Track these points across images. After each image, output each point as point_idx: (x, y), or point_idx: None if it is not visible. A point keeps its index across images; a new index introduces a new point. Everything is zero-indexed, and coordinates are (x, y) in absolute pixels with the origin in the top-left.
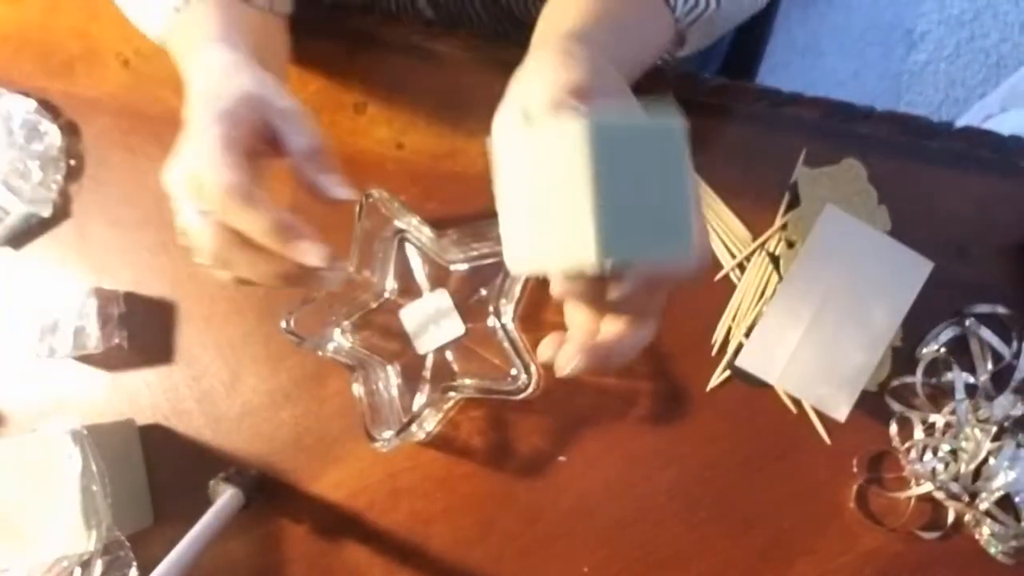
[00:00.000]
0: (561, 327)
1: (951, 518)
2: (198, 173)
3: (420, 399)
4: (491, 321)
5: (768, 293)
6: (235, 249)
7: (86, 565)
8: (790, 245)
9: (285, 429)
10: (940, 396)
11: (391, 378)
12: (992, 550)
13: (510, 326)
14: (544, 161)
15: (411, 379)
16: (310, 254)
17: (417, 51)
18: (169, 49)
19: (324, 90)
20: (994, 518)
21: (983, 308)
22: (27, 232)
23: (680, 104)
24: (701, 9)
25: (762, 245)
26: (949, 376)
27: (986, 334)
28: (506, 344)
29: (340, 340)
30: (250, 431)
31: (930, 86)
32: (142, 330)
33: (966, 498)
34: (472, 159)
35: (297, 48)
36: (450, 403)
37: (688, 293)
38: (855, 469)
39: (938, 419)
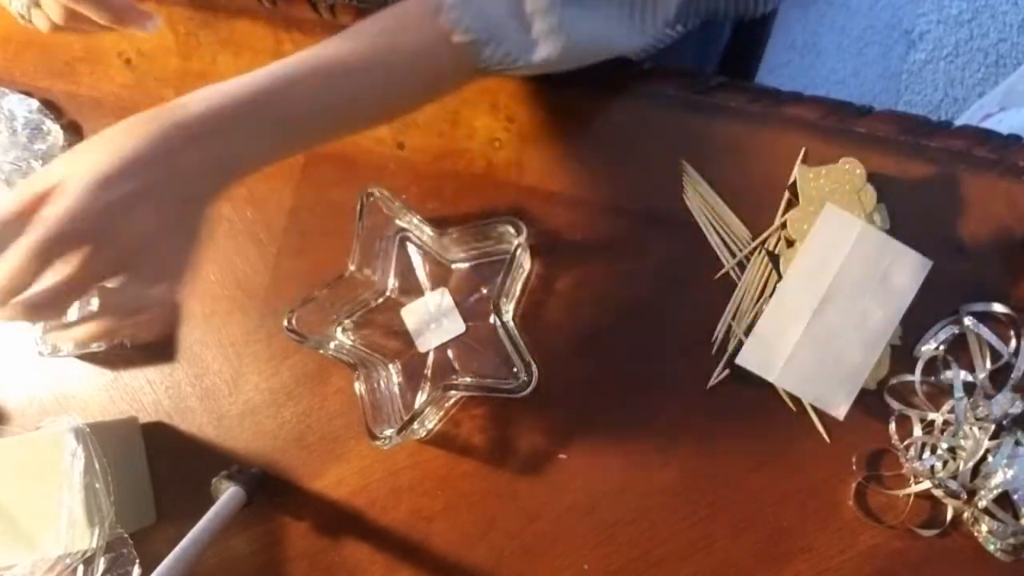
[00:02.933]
0: (561, 327)
1: (949, 516)
2: None
3: (421, 397)
4: (492, 319)
5: (768, 292)
6: None
7: (89, 562)
8: (790, 244)
9: (287, 427)
10: (939, 394)
11: (392, 376)
12: (990, 547)
13: (511, 324)
14: None
15: (412, 377)
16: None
17: None
18: None
19: None
20: (992, 516)
21: (982, 307)
22: None
23: (680, 103)
24: (511, 62)
25: (762, 244)
26: (948, 374)
27: (985, 332)
28: (507, 342)
29: (341, 339)
30: (252, 429)
31: (929, 85)
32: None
33: (964, 496)
34: (472, 159)
35: (299, 49)
36: (451, 401)
37: (689, 291)
38: (854, 467)
39: (937, 417)
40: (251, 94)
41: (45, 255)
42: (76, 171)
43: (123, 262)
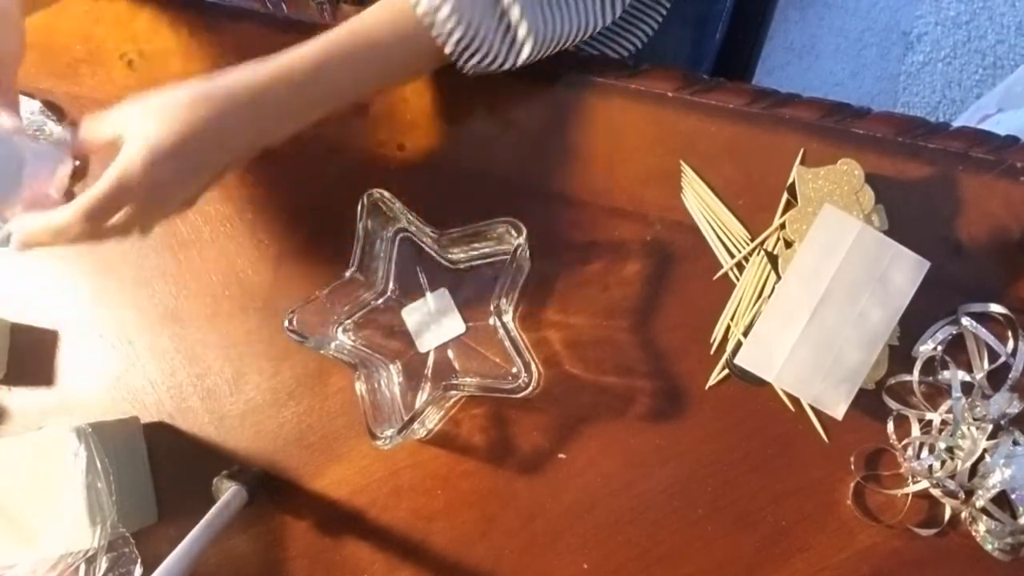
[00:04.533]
0: (561, 326)
1: (947, 515)
2: None
3: (421, 397)
4: (492, 320)
5: (766, 292)
6: None
7: (91, 562)
8: (788, 244)
9: (288, 427)
10: (937, 394)
11: (393, 376)
12: (988, 547)
13: (510, 325)
14: None
15: (412, 377)
16: None
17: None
18: None
19: None
20: (990, 515)
21: (980, 307)
22: None
23: (679, 104)
24: (491, 61)
25: (760, 244)
26: (946, 374)
27: (982, 333)
28: (507, 343)
29: (342, 339)
30: (253, 429)
31: (927, 87)
32: None
33: (962, 495)
34: (473, 159)
35: None
36: (451, 401)
37: (687, 292)
38: (852, 466)
39: (935, 417)
40: (288, 74)
41: (94, 216)
42: (137, 135)
43: (151, 216)
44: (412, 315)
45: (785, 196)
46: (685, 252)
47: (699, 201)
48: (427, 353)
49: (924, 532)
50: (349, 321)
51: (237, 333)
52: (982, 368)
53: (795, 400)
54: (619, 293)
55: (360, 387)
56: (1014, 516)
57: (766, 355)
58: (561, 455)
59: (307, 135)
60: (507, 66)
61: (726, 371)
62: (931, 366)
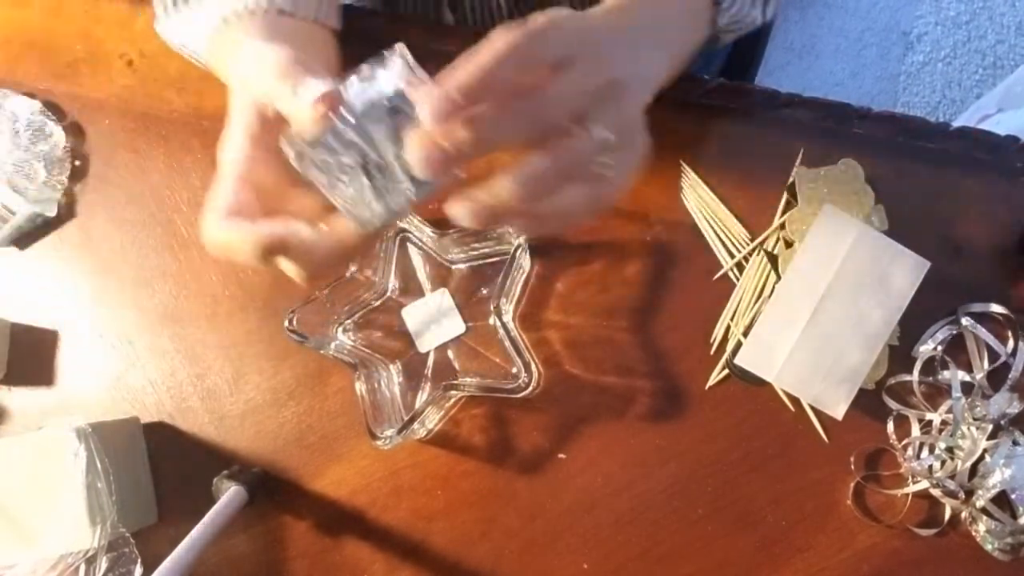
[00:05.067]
0: (561, 327)
1: (947, 515)
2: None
3: (421, 397)
4: (492, 320)
5: (766, 292)
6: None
7: (91, 562)
8: (788, 245)
9: (288, 427)
10: (937, 394)
11: (393, 376)
12: (988, 547)
13: (511, 325)
14: None
15: (412, 377)
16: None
17: (423, 52)
18: (215, 67)
19: None
20: (990, 515)
21: (980, 307)
22: (32, 232)
23: (679, 104)
24: (744, 18)
25: (760, 245)
26: (946, 375)
27: (982, 333)
28: (507, 343)
29: (342, 339)
30: (253, 429)
31: (927, 87)
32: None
33: (962, 495)
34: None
35: None
36: (451, 401)
37: (687, 292)
38: (852, 466)
39: (935, 417)
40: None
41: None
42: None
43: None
44: (412, 315)
45: (785, 196)
46: (685, 252)
47: (699, 201)
48: (427, 353)
49: (924, 532)
50: (349, 321)
51: (237, 333)
52: (982, 368)
53: (795, 400)
54: (619, 293)
55: (360, 387)
56: (1014, 516)
57: (766, 355)
58: (561, 455)
59: None
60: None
61: (726, 371)
62: (931, 366)
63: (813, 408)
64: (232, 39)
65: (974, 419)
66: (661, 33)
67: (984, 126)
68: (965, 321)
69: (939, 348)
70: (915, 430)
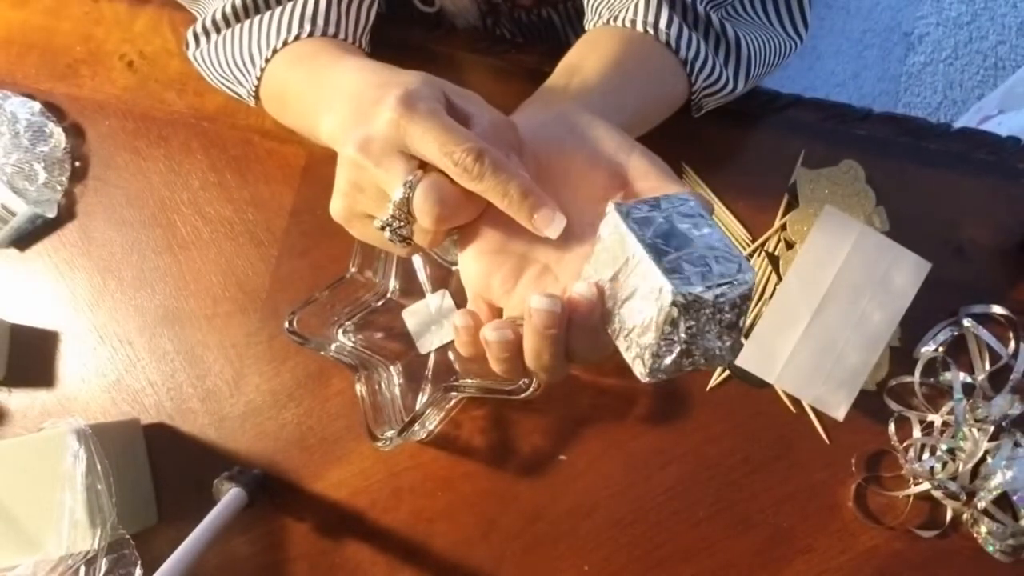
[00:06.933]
0: None
1: (949, 517)
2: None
3: (422, 399)
4: None
5: (767, 293)
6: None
7: (91, 563)
8: (789, 246)
9: (288, 428)
10: (938, 396)
11: (393, 378)
12: (990, 548)
13: None
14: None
15: (413, 379)
16: (554, 223)
17: (419, 51)
18: (274, 86)
19: None
20: (991, 517)
21: (981, 308)
22: (32, 233)
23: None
24: (721, 87)
25: (761, 246)
26: (947, 376)
27: (983, 334)
28: None
29: (342, 340)
30: (253, 430)
31: (928, 88)
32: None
33: (964, 497)
34: None
35: None
36: (452, 403)
37: None
38: (854, 468)
39: (936, 418)
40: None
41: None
42: None
43: None
44: (412, 316)
45: (786, 197)
46: None
47: None
48: (428, 354)
49: (926, 534)
50: (349, 322)
51: (237, 334)
52: (983, 369)
53: (796, 401)
54: None
55: (360, 388)
56: (1016, 518)
57: (767, 356)
58: (562, 457)
59: (307, 138)
60: (727, 90)
61: (727, 372)
62: (932, 367)
63: (814, 409)
64: (305, 59)
65: (975, 420)
66: None
67: (985, 127)
68: (966, 322)
69: (940, 349)
70: (916, 431)
